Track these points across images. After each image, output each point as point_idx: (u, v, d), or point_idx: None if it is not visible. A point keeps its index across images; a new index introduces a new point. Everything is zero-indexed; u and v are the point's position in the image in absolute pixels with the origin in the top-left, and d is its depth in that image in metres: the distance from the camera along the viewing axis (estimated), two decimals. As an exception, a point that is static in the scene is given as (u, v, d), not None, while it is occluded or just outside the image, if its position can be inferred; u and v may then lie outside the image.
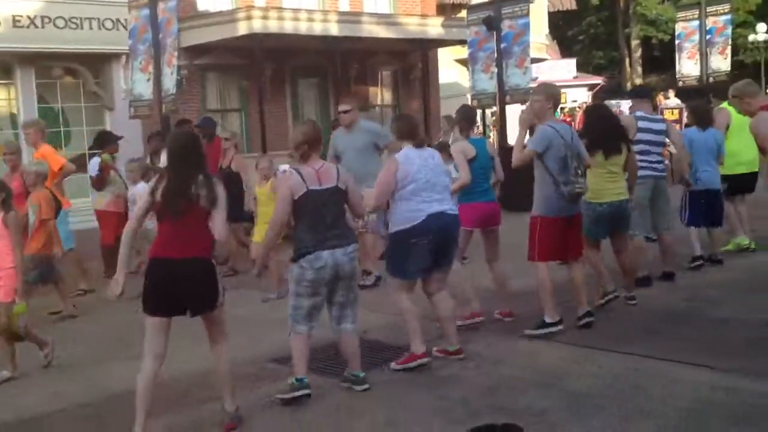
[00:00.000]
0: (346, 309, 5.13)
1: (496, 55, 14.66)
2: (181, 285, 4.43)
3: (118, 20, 14.73)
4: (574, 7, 31.08)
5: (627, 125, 7.52)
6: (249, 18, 14.61)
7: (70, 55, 14.91)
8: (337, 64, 17.07)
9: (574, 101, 29.57)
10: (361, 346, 5.29)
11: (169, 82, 12.17)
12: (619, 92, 35.07)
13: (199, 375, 5.42)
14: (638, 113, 7.83)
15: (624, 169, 6.82)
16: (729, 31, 17.88)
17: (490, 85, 14.97)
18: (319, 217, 4.95)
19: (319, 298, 5.03)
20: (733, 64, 21.58)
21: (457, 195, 6.25)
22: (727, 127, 8.76)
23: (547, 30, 29.50)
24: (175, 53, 12.14)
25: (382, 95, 19.76)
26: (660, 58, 39.79)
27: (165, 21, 12.15)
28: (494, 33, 14.58)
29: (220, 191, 4.54)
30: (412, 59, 19.18)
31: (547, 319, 6.10)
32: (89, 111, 15.62)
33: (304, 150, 5.06)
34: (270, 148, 14.60)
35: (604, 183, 6.64)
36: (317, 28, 15.73)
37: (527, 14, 14.57)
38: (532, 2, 15.43)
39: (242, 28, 14.65)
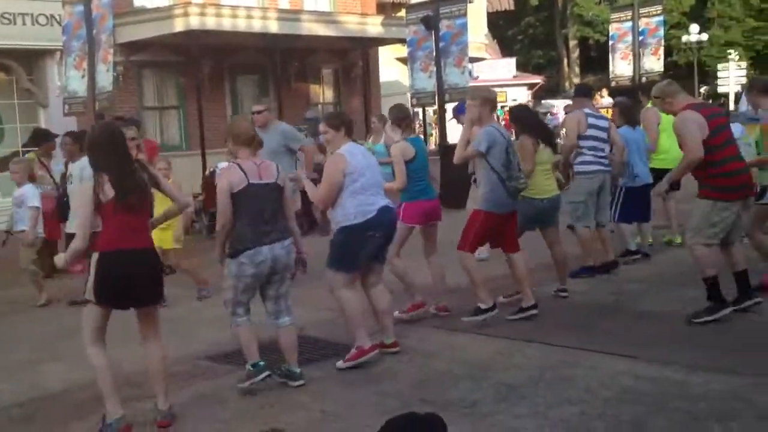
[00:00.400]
0: (281, 302, 5.19)
1: (434, 54, 14.81)
2: (135, 276, 4.46)
3: (52, 16, 14.43)
4: (512, 7, 31.50)
5: (578, 121, 7.86)
6: (186, 14, 14.47)
7: (3, 51, 14.54)
8: (277, 62, 17.03)
9: (514, 100, 29.99)
10: (300, 343, 5.32)
11: (105, 79, 11.99)
12: (558, 92, 35.69)
13: (132, 374, 5.38)
14: (585, 110, 8.03)
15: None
16: (661, 32, 18.35)
17: (429, 83, 15.12)
18: (258, 212, 4.99)
19: (255, 291, 5.13)
20: (667, 64, 22.17)
21: (401, 194, 6.49)
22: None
23: (486, 30, 29.87)
24: (111, 50, 11.96)
25: (323, 93, 19.76)
26: (597, 58, 40.58)
27: (99, 17, 11.97)
28: (432, 32, 14.73)
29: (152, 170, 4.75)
30: (352, 57, 19.24)
31: (482, 306, 6.26)
32: (22, 108, 15.27)
33: (242, 145, 5.10)
34: (208, 146, 14.49)
35: (544, 179, 6.90)
36: (256, 26, 15.67)
37: (465, 14, 14.75)
38: (470, 2, 15.63)
39: (179, 25, 14.50)
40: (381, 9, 21.24)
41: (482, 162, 6.25)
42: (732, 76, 31.18)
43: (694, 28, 36.04)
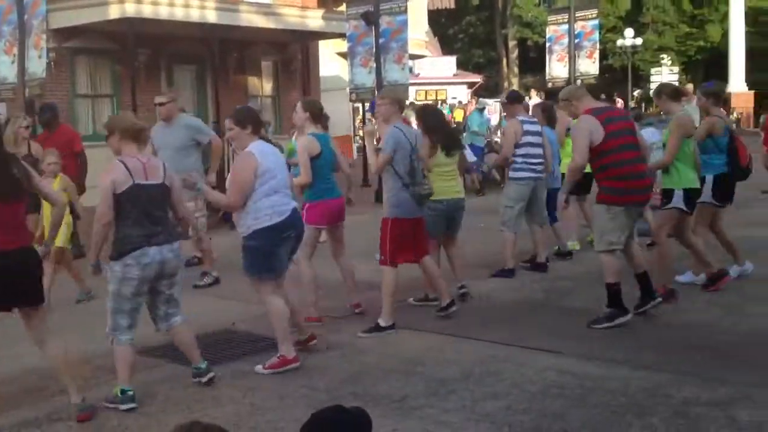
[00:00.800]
0: (172, 304, 4.95)
1: (374, 50, 14.85)
2: (17, 276, 4.32)
3: (-19, -1, 13.99)
4: (453, 6, 31.76)
5: (515, 131, 7.90)
6: (122, 1, 14.17)
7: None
8: (215, 53, 16.82)
9: (454, 98, 30.27)
10: (232, 337, 5.28)
11: (36, 65, 11.71)
12: (497, 91, 36.11)
13: (52, 368, 5.28)
14: (519, 117, 8.07)
15: (459, 168, 7.12)
16: (597, 35, 18.74)
17: (368, 79, 15.16)
18: (145, 213, 4.72)
19: (141, 299, 4.81)
20: (602, 67, 22.66)
21: (304, 193, 6.32)
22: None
23: (427, 27, 30.05)
24: (43, 35, 11.69)
25: (262, 86, 19.61)
26: (536, 59, 41.19)
27: (31, 2, 11.69)
28: (373, 28, 14.76)
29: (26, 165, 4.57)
30: (292, 50, 19.13)
31: (382, 323, 6.10)
32: (-52, 93, 14.78)
33: (130, 139, 4.81)
34: (143, 136, 14.23)
35: (442, 182, 6.74)
36: (194, 15, 15.45)
37: (405, 11, 14.83)
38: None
39: (114, 12, 14.21)
40: (322, 3, 21.14)
41: (387, 166, 6.14)
42: (664, 80, 31.97)
43: (629, 32, 36.87)
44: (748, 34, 38.28)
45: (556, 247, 8.86)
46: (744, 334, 5.76)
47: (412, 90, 21.90)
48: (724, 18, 40.50)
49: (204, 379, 5.02)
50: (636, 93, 36.34)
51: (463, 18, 46.16)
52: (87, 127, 16.11)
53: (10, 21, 11.97)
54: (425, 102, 34.12)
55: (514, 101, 8.44)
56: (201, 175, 7.40)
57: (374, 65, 14.88)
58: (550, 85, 19.08)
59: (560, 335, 5.85)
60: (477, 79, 35.28)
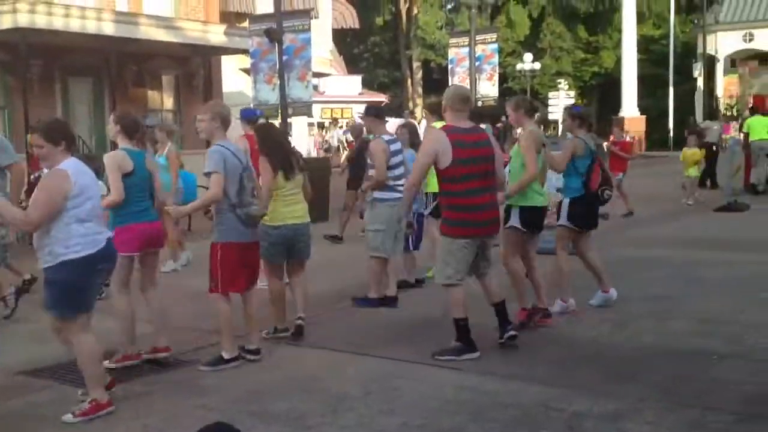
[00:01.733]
0: None
1: (278, 66, 14.78)
2: None
3: None
4: (357, 25, 32.02)
5: (383, 150, 7.26)
6: (14, 11, 13.74)
7: None
8: (113, 65, 16.45)
9: (360, 114, 30.40)
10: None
11: None
12: (401, 111, 36.51)
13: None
14: (385, 137, 7.46)
15: (304, 191, 6.52)
16: (496, 59, 19.32)
17: (272, 96, 15.06)
18: None
19: None
20: (502, 90, 23.27)
21: (111, 215, 5.66)
22: None
23: (332, 45, 30.16)
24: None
25: (162, 100, 19.25)
26: (440, 80, 41.98)
27: None
28: (276, 45, 14.70)
29: None
30: (193, 65, 18.89)
31: (226, 355, 5.64)
32: None
33: None
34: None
35: (283, 206, 6.30)
36: (90, 27, 15.08)
37: (309, 29, 14.84)
38: (315, 18, 15.75)
39: (6, 21, 13.76)
40: (225, 18, 20.98)
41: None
42: (562, 104, 33.07)
43: (528, 56, 38.05)
44: (639, 61, 40.07)
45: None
46: (633, 349, 5.96)
47: (317, 108, 21.94)
48: (618, 45, 42.30)
49: None
50: (536, 117, 37.39)
51: (368, 38, 46.67)
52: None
53: None
54: (326, 119, 34.29)
55: (372, 114, 7.62)
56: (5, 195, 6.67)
57: (278, 82, 14.80)
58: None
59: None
60: (382, 98, 35.60)
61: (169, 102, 19.42)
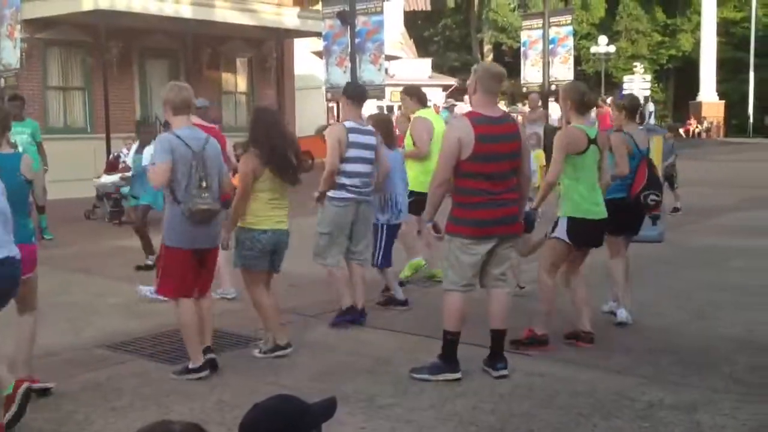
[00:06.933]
0: None
1: (350, 49, 14.84)
2: None
3: (-48, -13, 13.79)
4: (428, 8, 31.86)
5: (338, 140, 6.10)
6: (96, -6, 14.09)
7: None
8: (189, 48, 16.74)
9: (430, 101, 30.32)
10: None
11: (11, 55, 11.60)
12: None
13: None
14: (348, 123, 6.24)
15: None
16: (571, 41, 18.92)
17: (344, 78, 15.11)
18: None
19: None
20: (576, 73, 22.84)
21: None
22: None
23: (403, 28, 30.13)
24: (18, 25, 11.56)
25: (236, 82, 19.53)
26: (512, 63, 41.49)
27: (4, -9, 11.56)
28: (348, 28, 14.76)
29: None
30: (267, 48, 19.09)
31: (191, 365, 5.12)
32: None
33: None
34: (114, 130, 14.15)
35: (265, 206, 5.44)
36: (168, 9, 15.38)
37: (381, 12, 14.85)
38: (387, 0, 15.74)
39: (87, 4, 14.11)
40: (298, 1, 21.15)
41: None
42: (637, 87, 32.33)
43: (603, 39, 37.25)
44: (719, 44, 38.87)
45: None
46: (710, 339, 5.83)
47: (387, 91, 21.93)
48: (696, 28, 41.09)
49: None
50: (609, 100, 36.69)
51: (439, 21, 46.33)
52: (58, 120, 15.95)
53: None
54: (396, 102, 34.27)
55: (351, 97, 6.30)
56: None
57: (349, 65, 14.87)
58: (524, 89, 19.21)
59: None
60: (452, 81, 35.37)
61: (242, 84, 19.69)
